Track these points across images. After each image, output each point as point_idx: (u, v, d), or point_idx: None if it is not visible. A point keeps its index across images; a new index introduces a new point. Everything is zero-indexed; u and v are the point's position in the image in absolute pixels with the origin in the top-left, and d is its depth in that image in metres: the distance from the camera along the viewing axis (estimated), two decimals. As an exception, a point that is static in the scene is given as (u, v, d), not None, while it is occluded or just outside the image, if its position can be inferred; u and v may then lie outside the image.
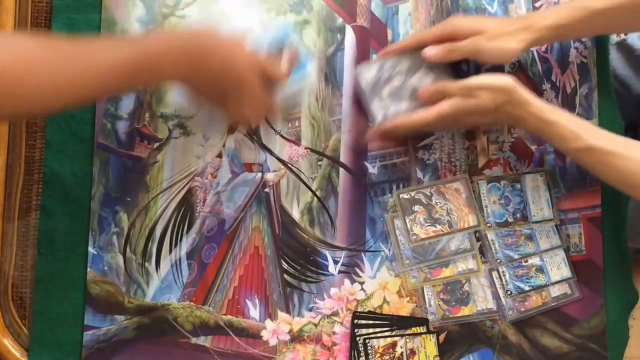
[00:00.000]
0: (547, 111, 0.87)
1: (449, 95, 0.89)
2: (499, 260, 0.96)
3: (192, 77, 0.82)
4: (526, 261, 0.96)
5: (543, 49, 1.00)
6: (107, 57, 0.75)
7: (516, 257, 0.96)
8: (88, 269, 0.92)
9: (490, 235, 0.96)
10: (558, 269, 0.97)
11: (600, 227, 0.98)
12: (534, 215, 0.97)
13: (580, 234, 0.98)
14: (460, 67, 0.95)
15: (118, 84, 0.78)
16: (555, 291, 0.96)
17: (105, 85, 0.76)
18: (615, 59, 1.19)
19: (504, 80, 0.87)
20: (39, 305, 0.91)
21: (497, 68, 0.99)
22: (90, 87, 0.75)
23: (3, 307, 0.92)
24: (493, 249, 0.96)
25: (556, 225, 0.97)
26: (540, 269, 0.96)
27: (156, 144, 0.94)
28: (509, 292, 0.95)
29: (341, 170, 0.97)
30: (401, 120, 0.91)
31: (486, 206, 0.97)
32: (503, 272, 0.96)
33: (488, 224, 0.96)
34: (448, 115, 0.88)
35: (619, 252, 0.98)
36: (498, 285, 0.95)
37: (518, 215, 0.97)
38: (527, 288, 0.95)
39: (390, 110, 0.93)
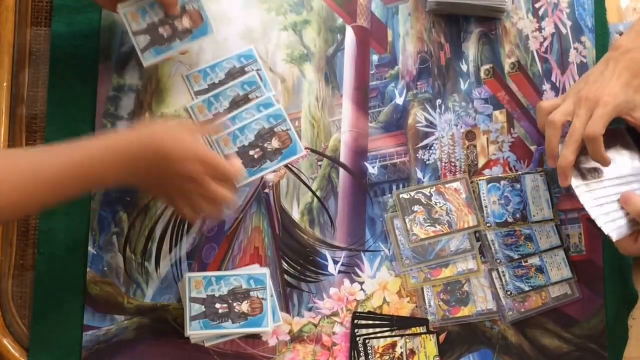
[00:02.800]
0: None
1: None
2: (498, 261, 0.96)
3: (139, 179, 0.81)
4: (526, 261, 0.96)
5: (543, 49, 1.00)
6: (51, 167, 0.75)
7: (516, 257, 0.96)
8: (88, 269, 0.92)
9: (490, 236, 0.96)
10: (558, 269, 0.96)
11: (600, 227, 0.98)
12: (534, 215, 0.97)
13: (580, 234, 0.97)
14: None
15: (63, 192, 0.77)
16: (555, 291, 0.96)
17: (50, 194, 0.76)
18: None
19: None
20: (39, 305, 0.91)
21: (498, 66, 0.99)
22: (36, 197, 0.75)
23: (3, 307, 0.92)
24: (493, 249, 0.96)
25: (556, 225, 0.97)
26: (540, 269, 0.96)
27: (156, 144, 0.94)
28: (508, 293, 0.95)
29: (341, 170, 0.97)
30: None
31: (486, 206, 0.97)
32: (503, 272, 0.96)
33: (488, 224, 0.96)
34: None
35: (619, 252, 0.97)
36: (498, 286, 0.95)
37: (518, 215, 0.97)
38: (527, 288, 0.95)
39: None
